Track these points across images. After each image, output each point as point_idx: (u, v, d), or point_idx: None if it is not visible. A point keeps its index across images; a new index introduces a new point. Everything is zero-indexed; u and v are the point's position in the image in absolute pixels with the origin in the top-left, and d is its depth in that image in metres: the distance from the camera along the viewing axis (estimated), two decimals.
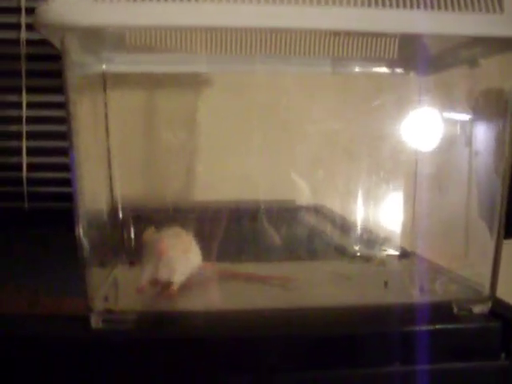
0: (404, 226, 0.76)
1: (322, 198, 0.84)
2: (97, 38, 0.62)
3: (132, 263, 0.71)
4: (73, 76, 0.56)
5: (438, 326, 0.55)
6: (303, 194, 0.82)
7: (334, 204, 0.83)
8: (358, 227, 0.78)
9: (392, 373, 0.55)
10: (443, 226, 0.70)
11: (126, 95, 0.78)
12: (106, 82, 0.73)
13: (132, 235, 0.73)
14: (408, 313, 0.58)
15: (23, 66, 1.00)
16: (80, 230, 0.54)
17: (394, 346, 0.55)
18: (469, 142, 0.69)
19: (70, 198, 0.55)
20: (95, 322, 0.54)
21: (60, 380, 0.52)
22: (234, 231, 0.78)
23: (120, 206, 0.73)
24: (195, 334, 0.53)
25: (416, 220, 0.75)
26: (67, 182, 0.60)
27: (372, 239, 0.76)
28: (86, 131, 0.66)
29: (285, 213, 0.83)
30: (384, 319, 0.57)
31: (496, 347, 0.56)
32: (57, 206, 0.98)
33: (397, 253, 0.75)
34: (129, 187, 0.78)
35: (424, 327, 0.55)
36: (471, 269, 0.64)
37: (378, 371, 0.55)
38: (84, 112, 0.65)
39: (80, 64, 0.62)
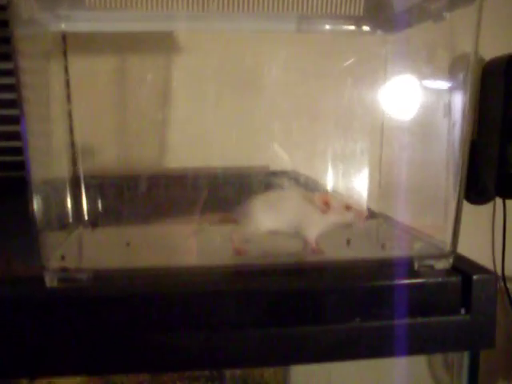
0: (372, 187, 0.75)
1: (293, 162, 0.83)
2: None
3: (94, 226, 0.70)
4: (23, 37, 0.55)
5: (396, 281, 0.55)
6: (276, 160, 0.81)
7: (304, 168, 0.82)
8: (327, 189, 0.77)
9: (352, 328, 0.55)
10: (409, 187, 0.69)
11: (90, 58, 0.76)
12: (66, 43, 0.71)
13: (97, 200, 0.72)
14: (368, 269, 0.58)
15: None
16: (32, 196, 0.53)
17: (354, 302, 0.55)
18: (436, 104, 0.68)
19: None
20: (50, 280, 0.53)
21: (16, 339, 0.51)
22: (205, 197, 0.77)
23: (82, 173, 0.72)
24: (148, 291, 0.53)
25: (383, 181, 0.74)
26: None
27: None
28: (41, 98, 0.64)
29: (257, 178, 0.82)
30: (344, 276, 0.57)
31: (456, 302, 0.56)
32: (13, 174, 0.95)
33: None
34: (94, 153, 0.76)
35: (383, 282, 0.55)
36: (436, 227, 0.64)
37: (338, 327, 0.54)
38: (38, 77, 0.64)
39: (33, 23, 0.60)
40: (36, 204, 0.54)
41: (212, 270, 0.57)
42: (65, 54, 0.74)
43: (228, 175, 0.80)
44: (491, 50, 0.99)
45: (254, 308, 0.54)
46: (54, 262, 0.55)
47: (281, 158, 0.80)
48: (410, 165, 0.70)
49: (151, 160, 0.86)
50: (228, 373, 0.81)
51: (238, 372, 0.82)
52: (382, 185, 0.75)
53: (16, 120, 0.53)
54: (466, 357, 0.59)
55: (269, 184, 0.82)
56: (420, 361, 1.05)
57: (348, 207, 0.61)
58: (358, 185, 0.75)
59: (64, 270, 0.54)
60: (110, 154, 0.82)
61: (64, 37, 0.72)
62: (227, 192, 0.79)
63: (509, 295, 1.08)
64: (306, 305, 0.54)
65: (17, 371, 0.51)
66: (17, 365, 0.51)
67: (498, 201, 1.07)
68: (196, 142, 0.82)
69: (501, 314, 1.11)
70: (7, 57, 0.53)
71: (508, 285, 1.08)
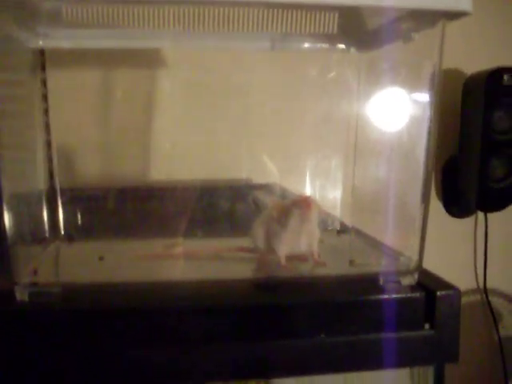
0: (345, 201, 0.76)
1: (273, 176, 0.84)
2: (31, 11, 0.61)
3: (71, 239, 0.71)
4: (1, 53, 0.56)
5: (361, 297, 0.56)
6: (260, 172, 0.83)
7: (284, 181, 0.83)
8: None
9: (317, 344, 0.55)
10: (380, 202, 0.70)
11: (69, 72, 0.77)
12: (44, 58, 0.72)
13: (73, 213, 0.73)
14: (335, 285, 0.58)
15: None
16: (3, 209, 0.54)
17: (319, 318, 0.56)
18: (409, 119, 0.69)
19: None
20: (20, 294, 0.54)
21: None
22: (188, 209, 0.78)
23: (58, 187, 0.73)
24: (118, 306, 0.54)
25: (355, 196, 0.76)
26: None
27: None
28: (18, 110, 0.66)
29: (237, 191, 0.83)
30: (310, 291, 0.58)
31: (420, 317, 0.57)
32: None
33: (337, 228, 0.76)
34: (70, 166, 0.78)
35: (348, 298, 0.56)
36: (404, 242, 0.65)
37: (302, 343, 0.55)
38: (16, 89, 0.65)
39: (10, 40, 0.62)
40: (8, 217, 0.54)
41: (184, 285, 0.58)
42: (43, 67, 0.75)
43: (211, 188, 0.81)
44: (473, 65, 1.00)
45: (223, 323, 0.55)
46: (25, 277, 0.56)
47: (268, 170, 0.81)
48: (383, 179, 0.72)
49: (132, 172, 0.87)
50: None
51: None
52: (354, 199, 0.76)
53: None
54: (430, 371, 0.60)
55: (253, 196, 0.83)
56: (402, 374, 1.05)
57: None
58: (332, 198, 0.76)
59: (35, 284, 0.55)
60: (89, 166, 0.83)
61: (42, 51, 0.74)
62: (211, 206, 0.80)
63: (490, 308, 1.09)
64: (272, 320, 0.55)
65: None
66: None
67: (480, 214, 1.08)
68: (178, 155, 0.83)
69: (483, 326, 1.12)
70: None
71: (490, 297, 1.09)
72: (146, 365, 0.53)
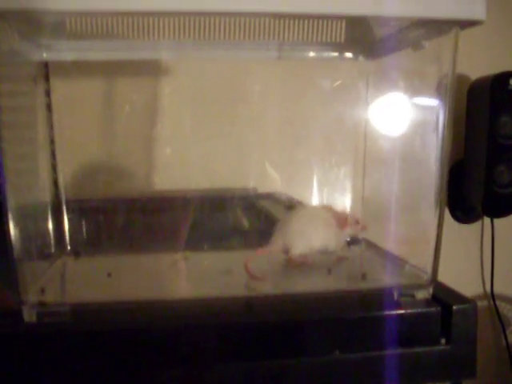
0: (354, 210, 0.75)
1: (281, 185, 0.83)
2: (34, 23, 0.60)
3: (77, 254, 0.69)
4: (2, 63, 0.55)
5: (376, 313, 0.55)
6: (264, 180, 0.82)
7: (290, 191, 0.82)
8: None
9: (332, 361, 0.54)
10: (390, 211, 0.69)
11: (72, 83, 0.76)
12: (48, 70, 0.71)
13: (79, 227, 0.72)
14: (348, 300, 0.57)
15: None
16: (9, 223, 0.52)
17: (333, 334, 0.55)
18: (418, 125, 0.68)
19: None
20: (28, 315, 0.53)
21: None
22: (196, 220, 0.77)
23: (64, 199, 0.71)
24: (127, 326, 0.52)
25: (365, 205, 0.75)
26: None
27: None
28: (23, 121, 0.64)
29: (244, 201, 0.82)
30: (323, 307, 0.57)
31: (436, 332, 0.56)
32: None
33: (347, 239, 0.75)
34: (77, 179, 0.76)
35: (362, 314, 0.55)
36: (417, 254, 0.64)
37: (316, 360, 0.54)
38: (20, 100, 0.64)
39: (13, 53, 0.60)
40: (14, 232, 0.53)
41: (193, 302, 0.57)
42: (47, 78, 0.74)
43: (217, 198, 0.80)
44: (478, 69, 1.00)
45: (234, 341, 0.54)
46: (33, 296, 0.55)
47: (272, 178, 0.80)
48: (393, 188, 0.71)
49: (137, 183, 0.86)
50: None
51: None
52: (364, 208, 0.75)
53: None
54: None
55: (258, 206, 0.82)
56: None
57: (356, 221, 0.67)
58: (341, 208, 0.74)
59: (43, 304, 0.53)
60: (94, 177, 0.82)
61: (46, 63, 0.72)
62: (217, 216, 0.79)
63: (498, 313, 1.08)
64: (286, 337, 0.54)
65: None
66: None
67: (486, 220, 1.07)
68: (183, 164, 0.82)
69: (490, 331, 1.11)
70: None
71: (497, 303, 1.08)
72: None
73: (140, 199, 0.78)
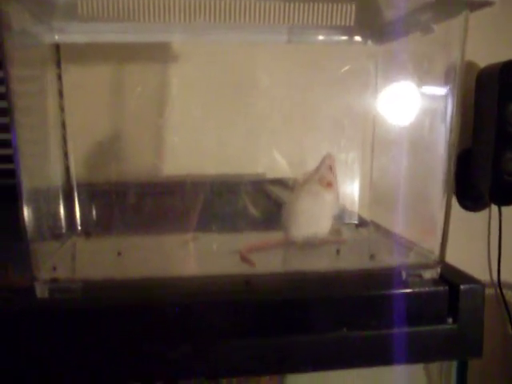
0: (363, 194, 0.75)
1: (288, 170, 0.83)
2: (46, 5, 0.61)
3: (88, 235, 0.70)
4: (15, 47, 0.55)
5: (384, 292, 0.55)
6: (272, 166, 0.82)
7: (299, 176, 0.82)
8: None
9: (339, 338, 0.55)
10: (399, 195, 0.70)
11: (86, 65, 0.77)
12: (59, 53, 0.72)
13: (90, 209, 0.73)
14: (356, 279, 0.58)
15: None
16: (23, 204, 0.53)
17: (341, 312, 0.55)
18: (427, 112, 0.68)
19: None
20: (41, 291, 0.54)
21: (7, 351, 0.52)
22: (206, 203, 0.78)
23: (75, 181, 0.72)
24: (138, 302, 0.53)
25: (373, 190, 0.75)
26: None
27: None
28: (35, 106, 0.65)
29: (252, 185, 0.83)
30: (332, 285, 0.57)
31: (444, 311, 0.56)
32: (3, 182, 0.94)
33: (355, 222, 0.75)
34: (87, 162, 0.77)
35: (370, 292, 0.55)
36: (425, 238, 0.64)
37: (325, 337, 0.55)
38: (31, 85, 0.64)
39: (25, 34, 0.61)
40: (27, 213, 0.54)
41: (202, 279, 0.58)
42: (58, 63, 0.74)
43: (226, 183, 0.80)
44: (486, 57, 0.99)
45: (243, 318, 0.54)
46: (45, 273, 0.55)
47: (279, 164, 0.81)
48: (401, 173, 0.71)
49: (147, 167, 0.86)
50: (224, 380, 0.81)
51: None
52: (373, 192, 0.75)
53: (6, 128, 0.54)
54: (454, 365, 0.59)
55: (266, 190, 0.83)
56: (418, 368, 1.05)
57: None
58: (350, 192, 0.75)
59: (55, 280, 0.54)
60: (105, 161, 0.83)
61: (58, 47, 0.73)
62: (226, 200, 0.79)
63: (505, 301, 1.08)
64: (294, 314, 0.55)
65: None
66: (7, 377, 0.51)
67: (494, 207, 1.07)
68: (192, 149, 0.83)
69: (497, 320, 1.11)
70: None
71: (504, 291, 1.08)
72: (166, 360, 0.53)
73: (150, 183, 0.79)
